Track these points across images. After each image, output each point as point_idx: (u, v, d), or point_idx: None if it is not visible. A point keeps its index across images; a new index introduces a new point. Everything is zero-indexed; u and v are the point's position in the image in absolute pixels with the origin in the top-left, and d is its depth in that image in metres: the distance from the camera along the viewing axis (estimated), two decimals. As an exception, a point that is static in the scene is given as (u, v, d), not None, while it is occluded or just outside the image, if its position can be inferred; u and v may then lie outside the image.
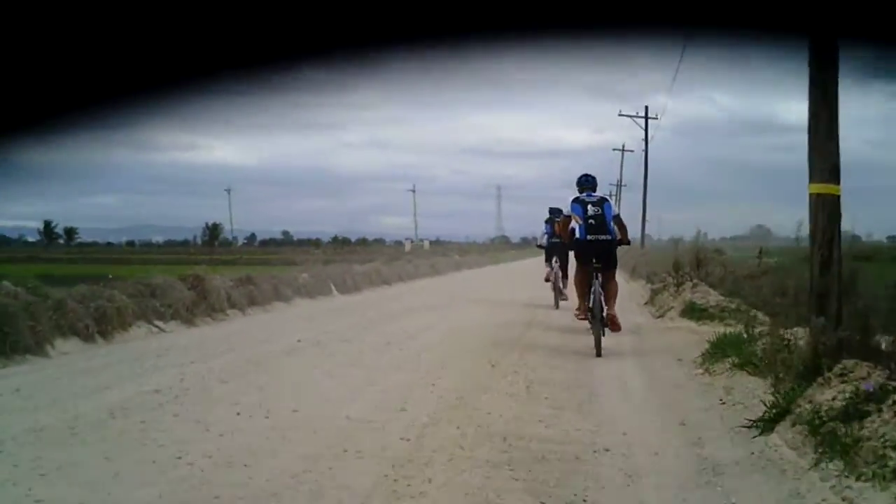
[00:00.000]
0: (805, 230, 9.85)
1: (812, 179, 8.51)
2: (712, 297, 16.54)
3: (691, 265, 19.93)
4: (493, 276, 38.09)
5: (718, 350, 10.18)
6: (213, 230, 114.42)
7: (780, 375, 7.83)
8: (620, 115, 56.20)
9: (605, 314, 11.68)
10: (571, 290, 14.30)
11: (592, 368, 10.55)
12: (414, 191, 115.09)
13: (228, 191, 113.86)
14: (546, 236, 19.86)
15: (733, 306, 15.65)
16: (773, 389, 7.63)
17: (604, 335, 11.61)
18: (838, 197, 8.48)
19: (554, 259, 19.42)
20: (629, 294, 24.09)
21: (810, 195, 8.55)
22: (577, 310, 12.37)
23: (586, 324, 12.14)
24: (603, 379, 9.79)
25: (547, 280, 19.97)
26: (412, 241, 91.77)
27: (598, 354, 11.28)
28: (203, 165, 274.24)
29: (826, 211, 8.45)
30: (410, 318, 16.37)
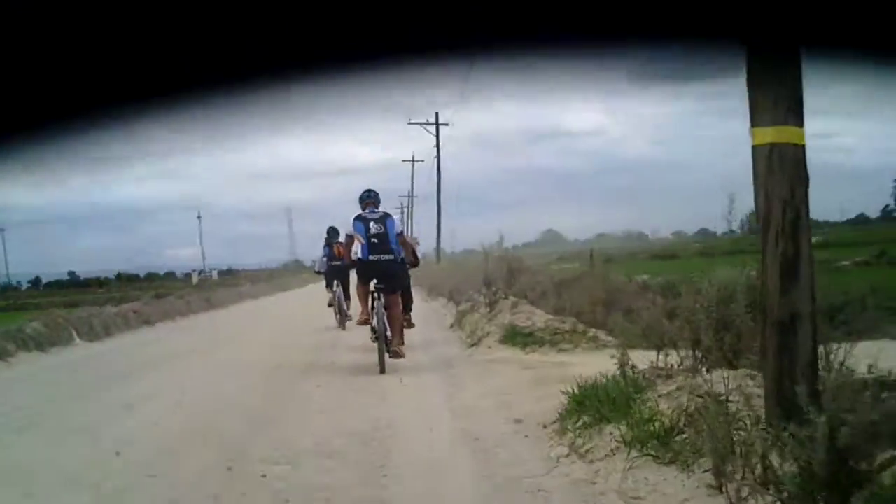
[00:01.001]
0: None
1: (757, 121, 4.55)
2: (538, 317, 12.84)
3: (504, 279, 16.19)
4: (277, 305, 33.45)
5: (586, 408, 6.31)
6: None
7: (739, 477, 4.08)
8: (410, 123, 52.50)
9: (388, 339, 10.89)
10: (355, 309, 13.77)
11: (393, 453, 6.47)
12: (200, 218, 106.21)
13: (1, 230, 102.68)
14: (325, 259, 18.12)
15: (566, 327, 12.04)
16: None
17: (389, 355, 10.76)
18: (804, 148, 4.63)
19: (335, 283, 17.77)
20: (430, 317, 20.36)
21: (755, 148, 4.60)
22: (359, 315, 11.67)
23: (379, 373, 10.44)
24: (410, 475, 5.77)
25: (330, 305, 18.25)
26: (199, 273, 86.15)
27: (382, 371, 10.52)
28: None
29: (786, 173, 4.56)
30: (144, 378, 11.89)
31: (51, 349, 16.74)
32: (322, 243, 18.33)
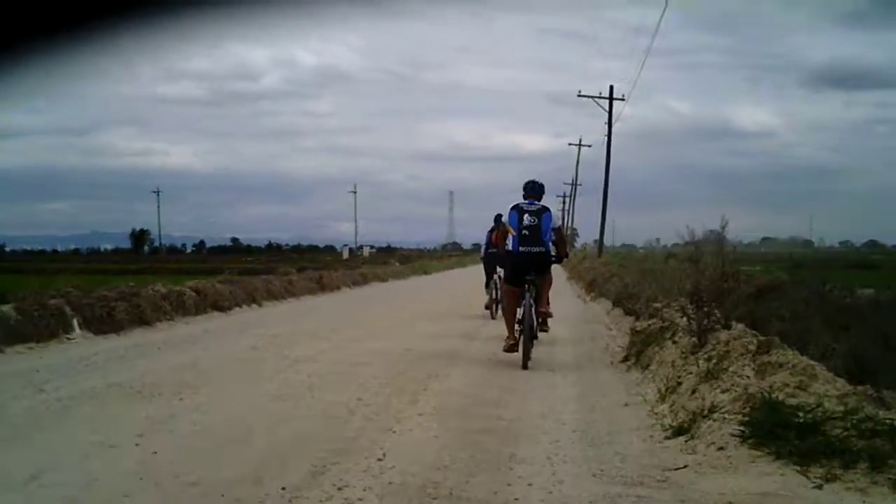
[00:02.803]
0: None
1: None
2: (821, 385, 5.90)
3: (709, 292, 8.98)
4: (398, 294, 26.45)
5: None
6: (139, 236, 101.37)
7: None
8: (580, 95, 44.50)
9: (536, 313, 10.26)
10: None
11: None
12: (355, 192, 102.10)
13: (157, 192, 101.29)
14: (485, 247, 17.82)
15: (891, 415, 5.13)
16: None
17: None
18: None
19: (497, 271, 16.69)
20: (590, 330, 13.77)
21: None
22: (505, 340, 10.33)
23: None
24: None
25: (487, 308, 17.23)
26: (351, 248, 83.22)
27: (525, 367, 9.75)
28: (157, 170, 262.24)
29: None
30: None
31: (20, 346, 10.92)
32: (487, 231, 17.43)
